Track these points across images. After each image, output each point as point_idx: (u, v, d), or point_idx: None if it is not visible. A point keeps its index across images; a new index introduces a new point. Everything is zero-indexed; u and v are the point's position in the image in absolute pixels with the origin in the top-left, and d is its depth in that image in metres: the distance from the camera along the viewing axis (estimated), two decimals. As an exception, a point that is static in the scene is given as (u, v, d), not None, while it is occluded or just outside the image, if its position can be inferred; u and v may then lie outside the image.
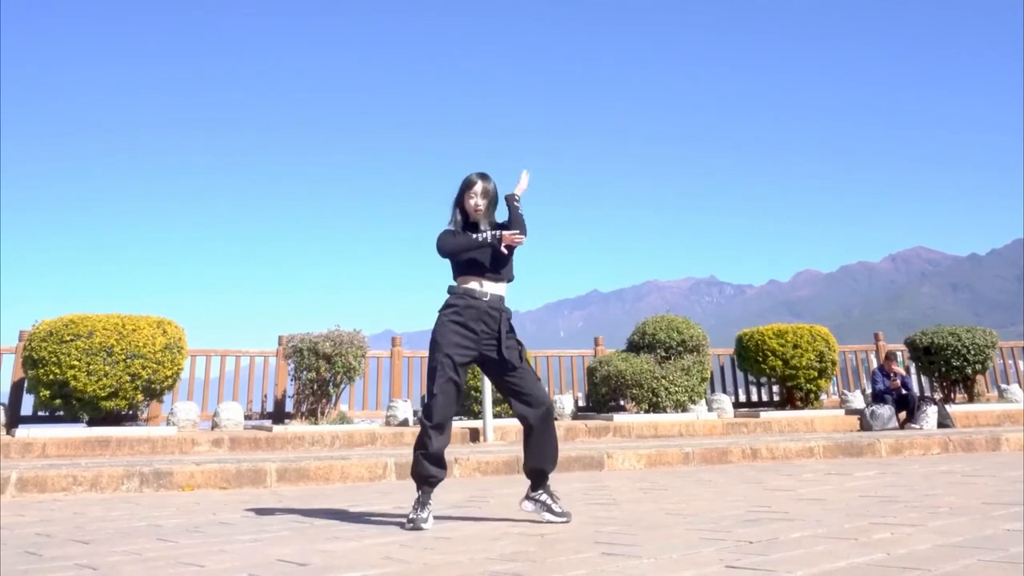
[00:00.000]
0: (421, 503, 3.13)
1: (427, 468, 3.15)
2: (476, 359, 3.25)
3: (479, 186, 3.30)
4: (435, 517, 3.17)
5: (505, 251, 3.23)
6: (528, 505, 3.24)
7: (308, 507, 3.85)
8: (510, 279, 3.34)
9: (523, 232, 3.24)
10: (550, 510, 3.16)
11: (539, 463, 3.23)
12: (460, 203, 3.34)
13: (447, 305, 3.24)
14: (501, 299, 3.26)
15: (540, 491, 3.22)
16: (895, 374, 9.64)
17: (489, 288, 3.24)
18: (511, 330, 3.26)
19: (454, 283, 3.30)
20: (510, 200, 3.37)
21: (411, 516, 3.11)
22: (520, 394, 3.22)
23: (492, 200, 3.35)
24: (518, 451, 5.96)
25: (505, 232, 3.21)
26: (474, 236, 3.22)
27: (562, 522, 3.10)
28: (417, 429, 8.36)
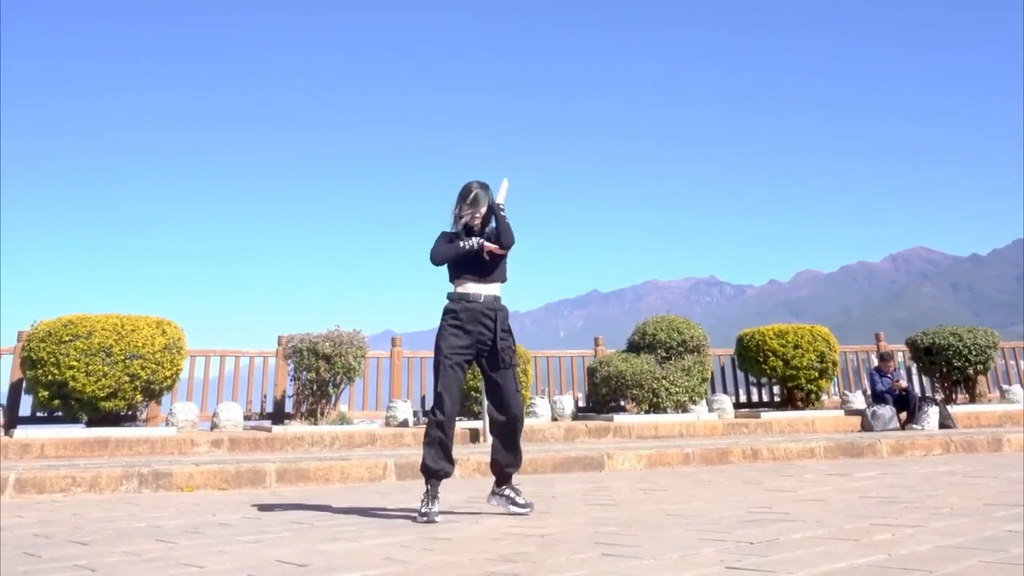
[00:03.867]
0: (431, 496, 3.28)
1: (438, 461, 3.32)
2: (474, 356, 3.46)
3: (472, 196, 3.52)
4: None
5: (487, 258, 3.46)
6: (494, 500, 3.45)
7: (308, 508, 3.85)
8: (503, 280, 3.54)
9: (510, 238, 3.47)
10: (514, 503, 3.38)
11: (503, 467, 3.45)
12: (457, 211, 3.56)
13: (446, 311, 3.47)
14: (495, 299, 3.50)
15: (504, 487, 3.44)
16: (891, 373, 9.60)
17: (482, 290, 3.46)
18: (507, 329, 3.48)
19: (451, 287, 3.52)
20: (496, 210, 3.56)
21: (423, 510, 3.24)
22: (495, 394, 3.45)
23: (488, 208, 3.57)
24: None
25: (487, 243, 3.45)
26: (461, 244, 3.45)
27: (525, 513, 3.32)
28: (418, 429, 8.37)
